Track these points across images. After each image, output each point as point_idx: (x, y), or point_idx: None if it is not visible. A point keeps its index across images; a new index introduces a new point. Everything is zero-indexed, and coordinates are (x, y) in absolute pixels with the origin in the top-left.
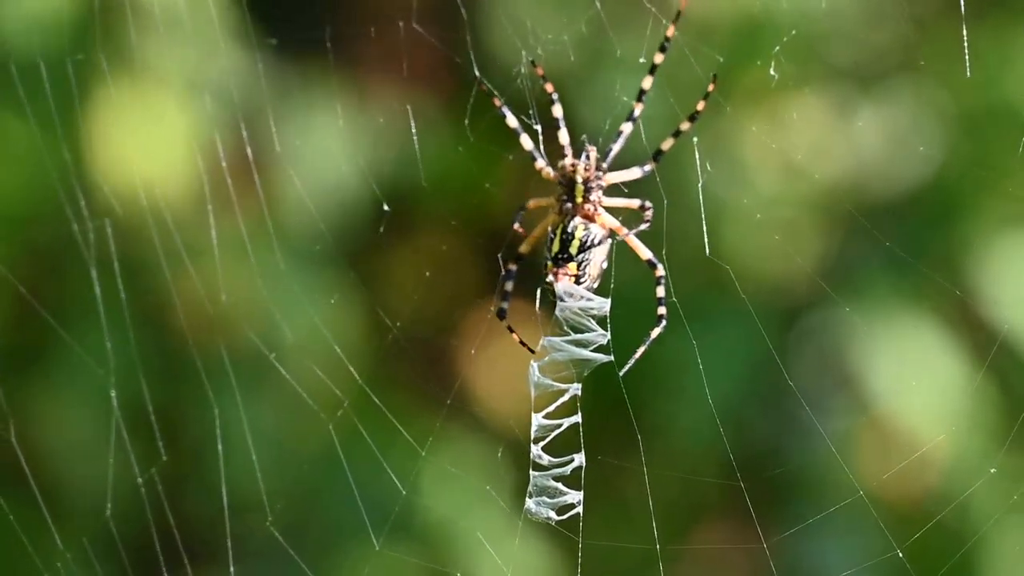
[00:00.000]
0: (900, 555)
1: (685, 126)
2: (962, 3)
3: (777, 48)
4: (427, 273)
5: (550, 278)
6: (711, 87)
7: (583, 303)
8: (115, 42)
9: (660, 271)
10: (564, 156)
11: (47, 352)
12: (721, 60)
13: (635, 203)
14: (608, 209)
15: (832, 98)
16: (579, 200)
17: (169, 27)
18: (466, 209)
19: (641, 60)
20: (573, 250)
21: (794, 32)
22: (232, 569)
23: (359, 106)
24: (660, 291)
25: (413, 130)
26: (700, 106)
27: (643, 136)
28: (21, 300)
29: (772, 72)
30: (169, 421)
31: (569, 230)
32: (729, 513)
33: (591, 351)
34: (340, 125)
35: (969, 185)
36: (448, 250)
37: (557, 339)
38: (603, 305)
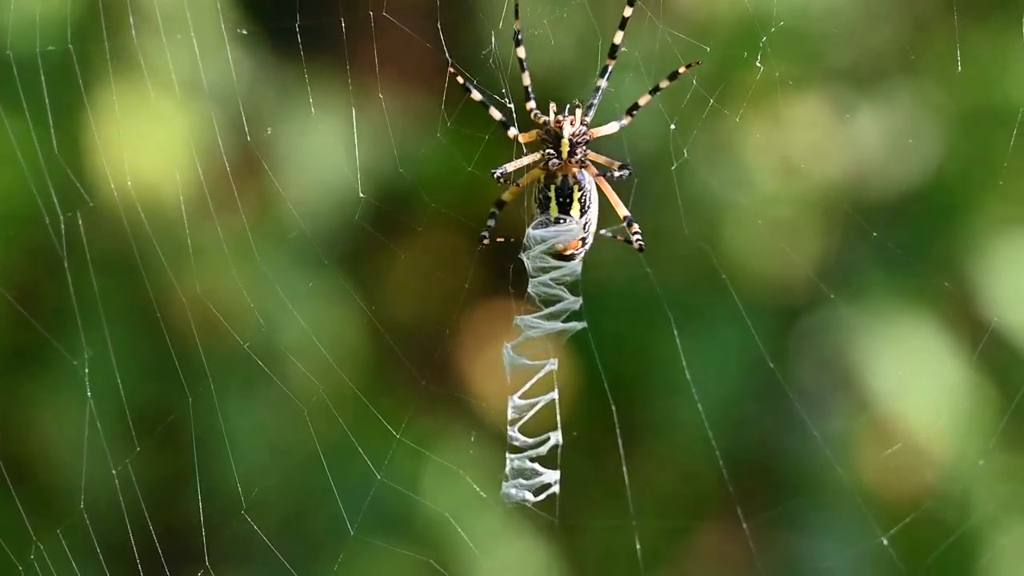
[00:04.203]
0: (890, 550)
1: (664, 84)
2: (954, 5)
3: (764, 39)
4: (402, 256)
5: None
6: (683, 66)
7: (554, 273)
8: (109, 40)
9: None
10: (547, 113)
11: (32, 349)
12: (708, 49)
13: (615, 163)
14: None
15: (831, 98)
16: (566, 156)
17: (165, 24)
18: (447, 193)
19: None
20: (575, 213)
21: (782, 23)
22: (208, 562)
23: (345, 100)
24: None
25: (386, 120)
26: (682, 69)
27: (628, 138)
28: (9, 298)
29: (758, 64)
30: (156, 418)
31: (566, 193)
32: (716, 508)
33: (564, 321)
34: (328, 119)
35: (968, 185)
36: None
37: (529, 317)
38: (575, 269)
